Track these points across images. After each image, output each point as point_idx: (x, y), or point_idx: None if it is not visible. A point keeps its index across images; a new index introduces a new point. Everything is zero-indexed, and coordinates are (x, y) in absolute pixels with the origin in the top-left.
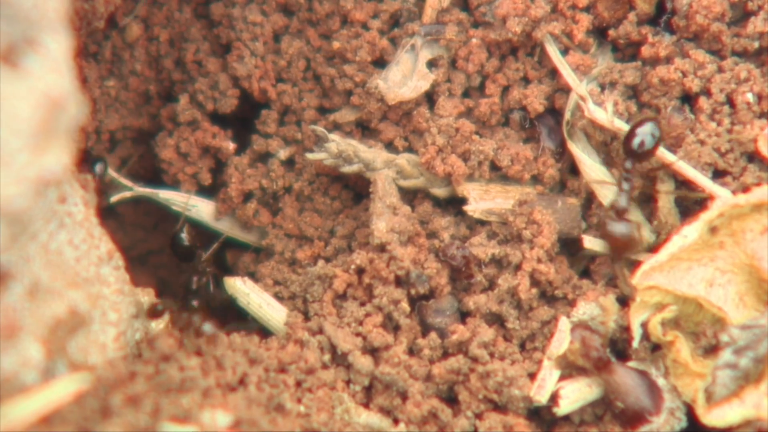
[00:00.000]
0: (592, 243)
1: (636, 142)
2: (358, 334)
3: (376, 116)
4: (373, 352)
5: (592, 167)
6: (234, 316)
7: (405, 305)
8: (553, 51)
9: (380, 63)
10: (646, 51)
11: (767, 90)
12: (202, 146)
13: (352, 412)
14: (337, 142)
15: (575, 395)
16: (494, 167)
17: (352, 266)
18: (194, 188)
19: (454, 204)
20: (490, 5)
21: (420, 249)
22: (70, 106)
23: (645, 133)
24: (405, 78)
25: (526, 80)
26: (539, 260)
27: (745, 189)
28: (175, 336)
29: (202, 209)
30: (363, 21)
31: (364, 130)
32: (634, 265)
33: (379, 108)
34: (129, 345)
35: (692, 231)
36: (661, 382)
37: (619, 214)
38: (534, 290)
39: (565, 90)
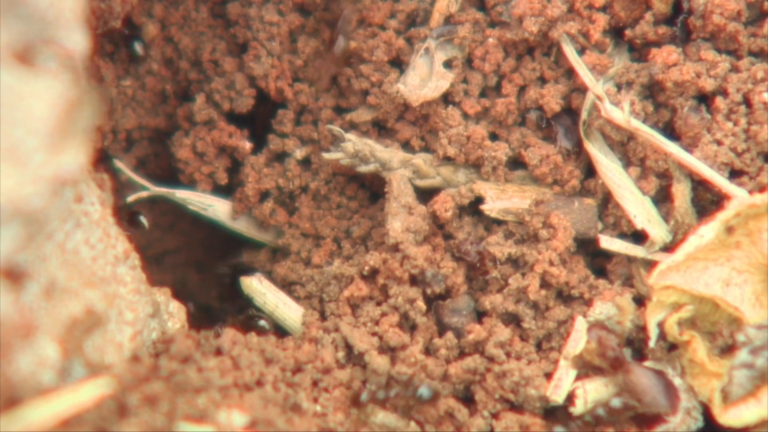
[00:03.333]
0: (608, 243)
1: None
2: (374, 334)
3: (393, 116)
4: (389, 351)
5: (608, 167)
6: None
7: (421, 304)
8: (569, 51)
9: (396, 63)
10: (659, 56)
11: None
12: (219, 146)
13: (368, 412)
14: (353, 141)
15: (592, 395)
16: (518, 163)
17: (366, 267)
18: (210, 188)
19: (471, 204)
20: (507, 5)
21: (436, 248)
22: (86, 105)
23: None
24: (423, 81)
25: (542, 80)
26: (551, 263)
27: (762, 189)
28: (193, 337)
29: (219, 209)
30: (380, 21)
31: (381, 129)
32: (651, 264)
33: (396, 107)
34: (145, 344)
35: (709, 231)
36: (677, 381)
37: None
38: (544, 291)
39: (582, 90)
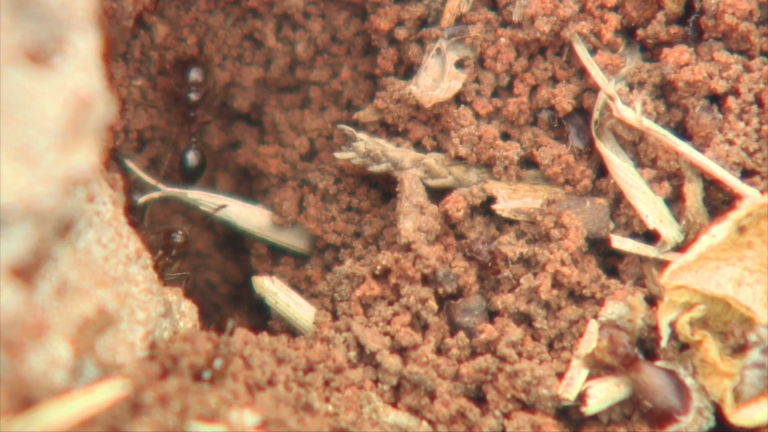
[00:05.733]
0: (620, 243)
1: None
2: (386, 334)
3: (404, 120)
4: (401, 351)
5: (620, 167)
6: None
7: (432, 303)
8: (581, 50)
9: (407, 64)
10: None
11: None
12: None
13: (380, 412)
14: (365, 141)
15: (603, 394)
16: (530, 163)
17: (378, 267)
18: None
19: (483, 203)
20: (519, 4)
21: (448, 248)
22: (98, 105)
23: None
24: (435, 82)
25: (554, 80)
26: (563, 263)
27: None
28: (212, 339)
29: (230, 209)
30: (390, 23)
31: (389, 128)
32: (663, 264)
33: (407, 110)
34: (157, 344)
35: (720, 230)
36: (689, 381)
37: None
38: (555, 291)
39: (594, 89)
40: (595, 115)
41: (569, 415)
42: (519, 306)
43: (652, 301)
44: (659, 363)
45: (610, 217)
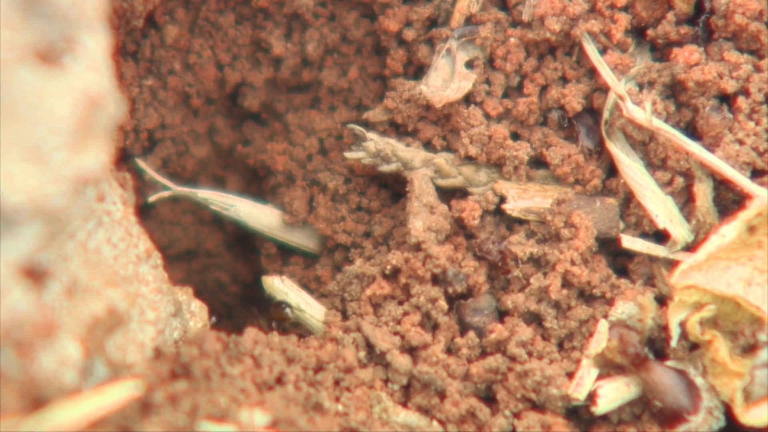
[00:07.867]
0: (630, 242)
1: None
2: (396, 333)
3: (414, 118)
4: (411, 351)
5: (630, 167)
6: None
7: (443, 303)
8: (591, 50)
9: (417, 65)
10: (680, 56)
11: None
12: None
13: (390, 411)
14: (375, 141)
15: (613, 394)
16: (540, 163)
17: (388, 266)
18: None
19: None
20: (529, 4)
21: (458, 248)
22: (108, 104)
23: None
24: (446, 82)
25: (564, 80)
26: (573, 262)
27: None
28: (222, 339)
29: (240, 208)
30: (399, 23)
31: (399, 128)
32: (673, 264)
33: (418, 109)
34: (167, 344)
35: (730, 230)
36: (699, 381)
37: None
38: (565, 291)
39: (604, 89)
40: (605, 114)
41: (579, 414)
42: (529, 306)
43: (662, 300)
44: (669, 363)
45: (620, 216)
